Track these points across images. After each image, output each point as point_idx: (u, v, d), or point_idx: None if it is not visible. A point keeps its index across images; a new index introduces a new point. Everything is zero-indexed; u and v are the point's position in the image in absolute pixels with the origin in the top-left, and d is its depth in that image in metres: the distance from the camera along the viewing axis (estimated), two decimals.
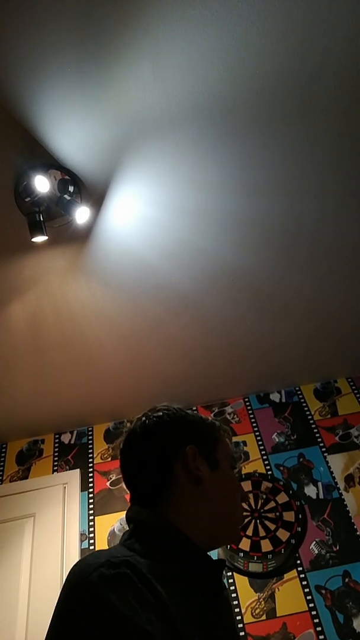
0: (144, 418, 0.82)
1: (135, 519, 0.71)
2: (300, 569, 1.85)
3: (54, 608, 0.55)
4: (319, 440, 2.26)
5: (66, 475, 2.24)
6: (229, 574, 1.88)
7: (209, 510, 0.74)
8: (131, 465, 0.79)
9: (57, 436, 2.44)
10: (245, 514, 2.01)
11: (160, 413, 0.82)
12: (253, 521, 1.98)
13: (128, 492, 0.79)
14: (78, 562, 0.59)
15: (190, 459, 0.76)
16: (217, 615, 0.65)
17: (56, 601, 0.56)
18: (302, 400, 2.44)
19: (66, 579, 0.57)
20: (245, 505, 2.02)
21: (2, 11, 1.03)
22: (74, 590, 0.54)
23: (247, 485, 2.11)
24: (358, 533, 1.91)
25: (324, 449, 2.22)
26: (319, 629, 1.69)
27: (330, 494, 2.06)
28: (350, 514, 1.98)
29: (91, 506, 2.14)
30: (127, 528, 0.71)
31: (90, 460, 2.32)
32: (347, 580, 1.79)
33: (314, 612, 1.73)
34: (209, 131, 1.35)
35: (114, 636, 0.48)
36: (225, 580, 1.81)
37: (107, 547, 1.96)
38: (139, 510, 0.72)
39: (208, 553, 0.70)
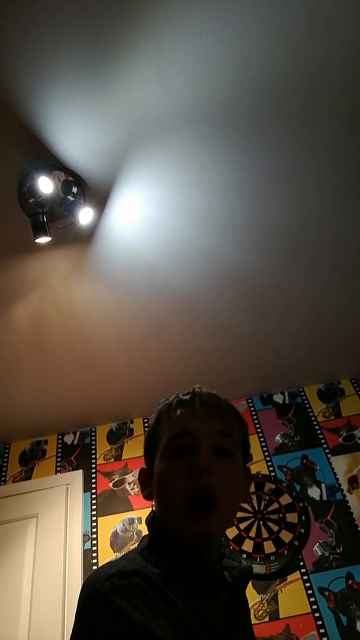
0: None
1: (147, 524, 0.73)
2: (303, 570, 1.85)
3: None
4: (323, 441, 2.25)
5: (69, 476, 2.24)
6: None
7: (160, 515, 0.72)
8: None
9: (60, 437, 2.44)
10: (248, 515, 2.01)
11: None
12: (256, 522, 1.98)
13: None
14: (92, 573, 0.60)
15: (140, 481, 0.79)
16: (232, 624, 0.64)
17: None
18: (306, 401, 2.44)
19: (80, 590, 0.59)
20: (248, 507, 2.02)
21: (7, 13, 1.03)
22: (87, 601, 0.55)
23: (250, 487, 2.10)
24: None
25: (327, 451, 2.21)
26: (322, 630, 1.68)
27: (333, 495, 2.05)
28: (353, 516, 1.97)
29: (94, 507, 2.14)
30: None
31: (93, 461, 2.32)
32: (350, 582, 1.79)
33: (317, 614, 1.73)
34: (212, 132, 1.35)
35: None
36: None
37: (109, 547, 1.97)
38: (149, 515, 0.74)
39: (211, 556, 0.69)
